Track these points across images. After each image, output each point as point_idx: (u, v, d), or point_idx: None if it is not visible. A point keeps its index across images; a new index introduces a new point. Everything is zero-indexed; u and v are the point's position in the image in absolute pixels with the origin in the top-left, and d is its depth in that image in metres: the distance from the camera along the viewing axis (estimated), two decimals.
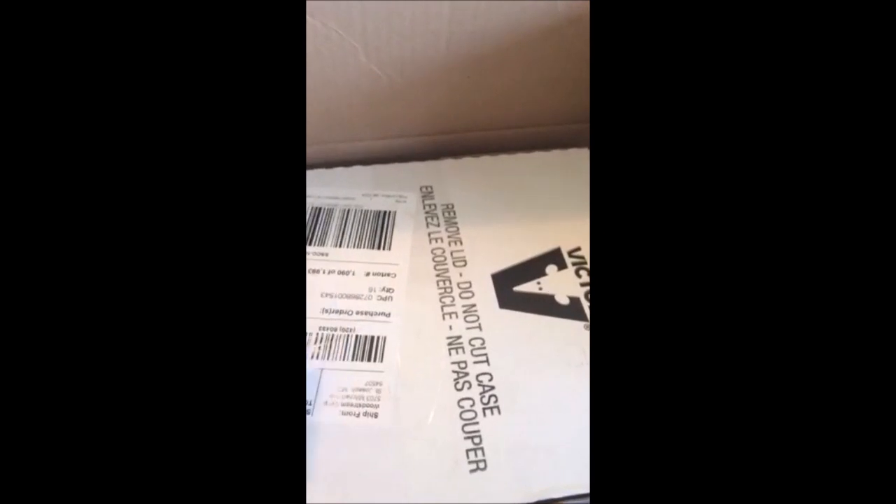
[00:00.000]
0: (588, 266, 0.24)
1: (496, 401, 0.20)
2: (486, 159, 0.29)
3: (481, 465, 0.19)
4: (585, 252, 0.25)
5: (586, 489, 0.18)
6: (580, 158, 0.29)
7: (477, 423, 0.20)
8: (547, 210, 0.27)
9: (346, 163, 0.29)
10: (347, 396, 0.20)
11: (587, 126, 0.31)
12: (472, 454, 0.19)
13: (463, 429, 0.19)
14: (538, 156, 0.29)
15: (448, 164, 0.29)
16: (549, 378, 0.21)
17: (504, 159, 0.29)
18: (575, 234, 0.26)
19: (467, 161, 0.29)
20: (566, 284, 0.24)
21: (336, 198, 0.27)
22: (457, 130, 0.29)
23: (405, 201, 0.27)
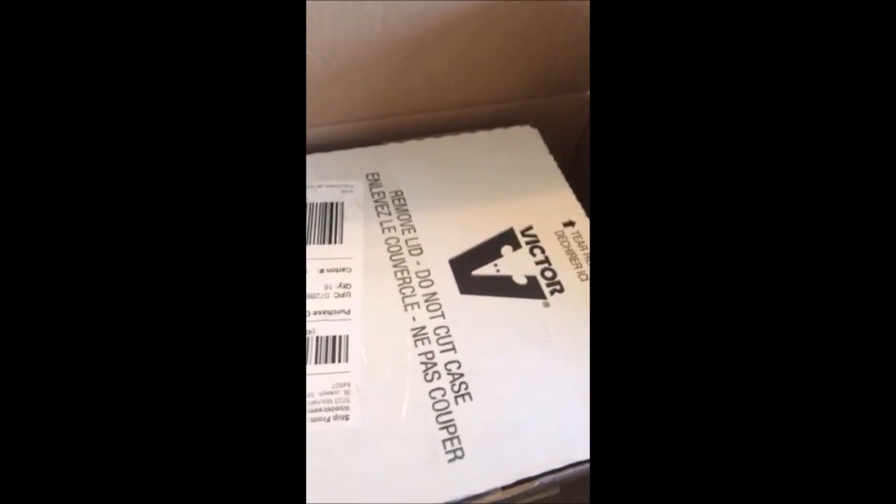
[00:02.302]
0: (541, 244, 0.25)
1: (467, 388, 0.20)
2: (430, 142, 0.29)
3: (458, 453, 0.19)
4: (537, 231, 0.25)
5: (559, 464, 0.19)
6: (523, 135, 0.29)
7: (450, 412, 0.20)
8: (496, 190, 0.27)
9: None
10: (315, 402, 0.20)
11: (528, 103, 0.31)
12: (448, 444, 0.19)
13: (437, 419, 0.19)
14: (482, 135, 0.29)
15: (392, 148, 0.28)
16: (515, 359, 0.21)
17: (448, 141, 0.29)
18: (525, 213, 0.26)
19: (411, 144, 0.28)
20: (522, 264, 0.24)
21: None
22: (398, 114, 0.28)
23: (352, 191, 0.26)
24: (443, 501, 0.18)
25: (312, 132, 0.27)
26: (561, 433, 0.20)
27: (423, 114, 0.29)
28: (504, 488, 0.18)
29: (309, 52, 0.23)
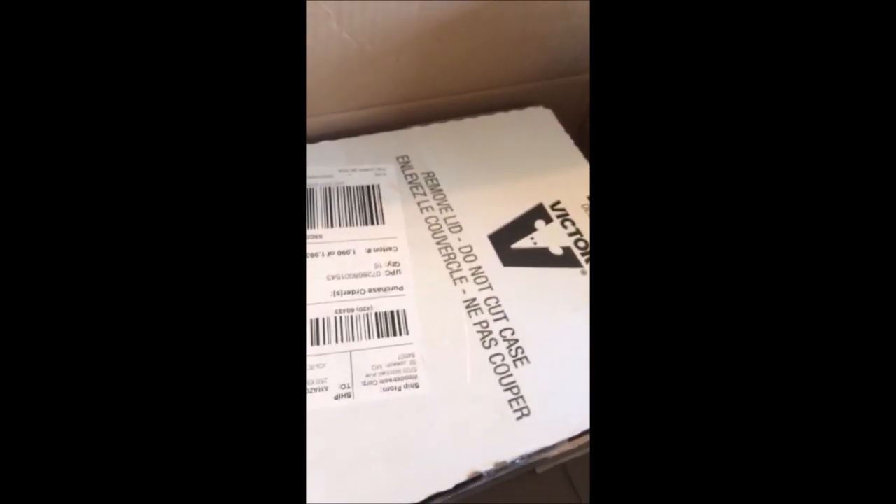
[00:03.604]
0: (571, 217, 0.26)
1: (523, 352, 0.21)
2: (452, 124, 0.29)
3: (525, 411, 0.20)
4: (565, 205, 0.27)
5: None
6: (538, 116, 0.31)
7: (511, 375, 0.21)
8: (521, 169, 0.28)
9: (311, 139, 0.27)
10: (384, 373, 0.20)
11: (537, 85, 0.32)
12: (514, 403, 0.20)
13: (500, 382, 0.21)
14: (500, 117, 0.30)
15: (417, 132, 0.29)
16: (562, 323, 0.22)
17: (470, 123, 0.30)
18: (551, 189, 0.27)
19: (435, 127, 0.29)
20: (556, 236, 0.25)
21: (313, 177, 0.26)
22: (421, 97, 0.29)
23: (385, 173, 0.27)
24: (517, 455, 0.19)
25: (337, 118, 0.28)
26: None
27: (443, 97, 0.30)
28: (570, 439, 0.20)
29: (348, 37, 0.23)
